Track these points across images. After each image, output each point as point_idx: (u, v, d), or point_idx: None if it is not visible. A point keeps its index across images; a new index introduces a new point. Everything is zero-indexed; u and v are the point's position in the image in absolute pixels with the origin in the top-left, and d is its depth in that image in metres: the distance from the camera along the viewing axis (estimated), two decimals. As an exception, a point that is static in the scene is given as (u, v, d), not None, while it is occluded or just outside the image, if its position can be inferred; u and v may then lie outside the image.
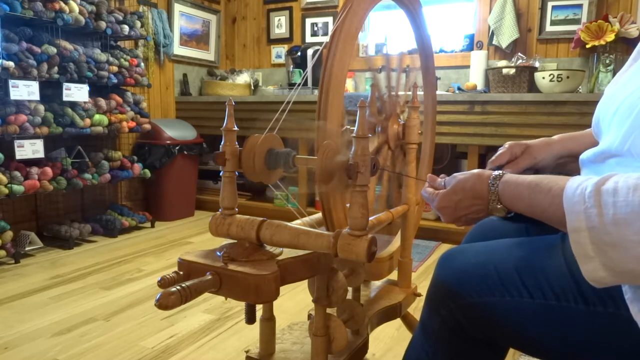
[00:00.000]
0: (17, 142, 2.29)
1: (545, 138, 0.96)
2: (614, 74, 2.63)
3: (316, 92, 2.43)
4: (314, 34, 3.75)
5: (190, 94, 3.76)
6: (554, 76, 2.54)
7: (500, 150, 0.95)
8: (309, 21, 3.75)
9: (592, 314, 0.64)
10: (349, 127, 1.02)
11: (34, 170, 2.40)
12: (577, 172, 0.93)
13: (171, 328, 1.68)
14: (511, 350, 1.09)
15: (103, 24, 2.68)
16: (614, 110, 0.72)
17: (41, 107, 2.40)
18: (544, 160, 0.95)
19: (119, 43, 3.03)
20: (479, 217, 0.76)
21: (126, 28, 2.85)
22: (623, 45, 2.67)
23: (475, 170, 0.76)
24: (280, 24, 3.86)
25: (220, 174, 0.77)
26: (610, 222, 0.54)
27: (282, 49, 3.86)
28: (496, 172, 0.72)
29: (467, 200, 0.75)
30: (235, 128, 0.77)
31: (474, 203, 0.74)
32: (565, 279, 0.66)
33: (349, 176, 0.67)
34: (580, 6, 2.89)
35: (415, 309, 1.66)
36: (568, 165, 0.96)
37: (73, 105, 2.57)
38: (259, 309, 0.86)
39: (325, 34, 3.68)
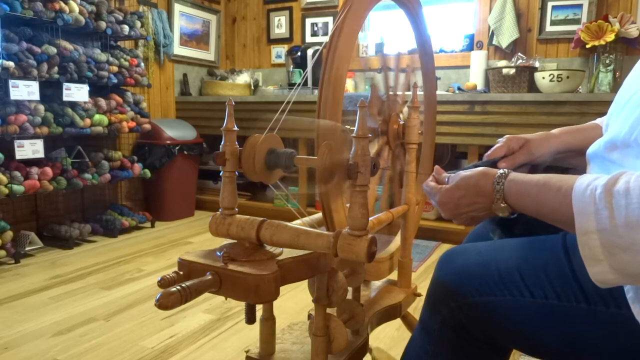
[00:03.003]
0: (17, 142, 2.29)
1: (545, 132, 0.93)
2: (614, 74, 2.62)
3: (316, 92, 2.43)
4: (314, 34, 3.75)
5: (190, 94, 3.76)
6: (554, 76, 2.54)
7: (497, 144, 0.92)
8: (309, 21, 3.75)
9: (594, 313, 0.64)
10: (348, 126, 1.02)
11: (34, 170, 2.40)
12: (578, 166, 0.91)
13: (171, 328, 1.68)
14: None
15: (103, 24, 2.68)
16: (627, 98, 0.71)
17: (41, 107, 2.40)
18: (541, 157, 0.91)
19: (119, 43, 3.03)
20: (480, 215, 0.75)
21: (126, 28, 2.85)
22: (623, 45, 2.67)
23: (481, 168, 0.73)
24: (280, 24, 3.86)
25: (220, 174, 0.77)
26: (622, 225, 0.53)
27: (282, 49, 3.85)
28: (501, 171, 0.70)
29: (470, 198, 0.73)
30: (235, 128, 0.77)
31: (476, 201, 0.72)
32: (567, 278, 0.66)
33: (349, 176, 0.67)
34: (580, 6, 2.89)
35: (415, 309, 1.66)
36: (567, 159, 0.93)
37: (73, 105, 2.57)
38: (259, 309, 0.86)
39: (325, 34, 3.68)
